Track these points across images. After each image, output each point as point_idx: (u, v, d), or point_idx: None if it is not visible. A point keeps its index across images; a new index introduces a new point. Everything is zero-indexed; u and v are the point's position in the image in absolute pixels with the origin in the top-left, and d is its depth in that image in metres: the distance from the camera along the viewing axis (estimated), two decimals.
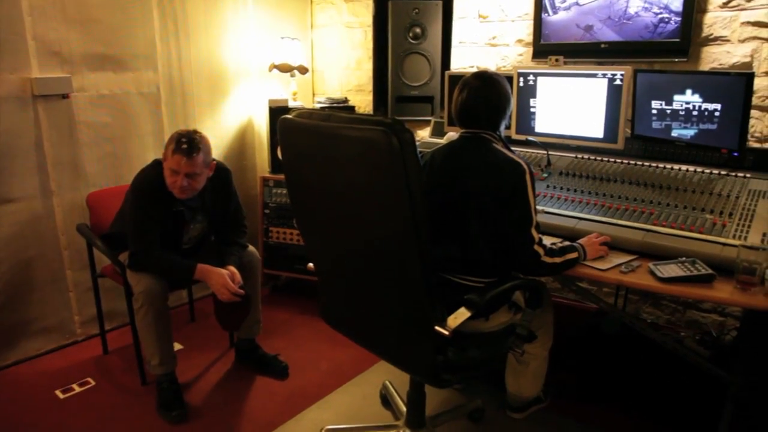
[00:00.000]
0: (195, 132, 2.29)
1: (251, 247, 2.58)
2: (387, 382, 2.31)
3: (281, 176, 3.26)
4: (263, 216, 3.32)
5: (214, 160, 2.37)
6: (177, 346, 2.76)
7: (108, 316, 2.83)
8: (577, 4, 2.90)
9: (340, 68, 3.78)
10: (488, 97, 1.84)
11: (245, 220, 2.60)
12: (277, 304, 3.34)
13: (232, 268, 2.35)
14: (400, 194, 1.32)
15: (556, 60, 2.67)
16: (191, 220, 2.44)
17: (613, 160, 2.47)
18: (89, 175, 2.78)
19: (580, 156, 2.56)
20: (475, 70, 3.31)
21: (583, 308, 3.21)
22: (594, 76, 2.48)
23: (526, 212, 1.72)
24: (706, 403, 2.31)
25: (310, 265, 1.89)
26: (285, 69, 3.33)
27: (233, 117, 3.40)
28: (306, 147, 1.54)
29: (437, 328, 1.49)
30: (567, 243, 1.87)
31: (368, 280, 1.61)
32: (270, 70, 3.36)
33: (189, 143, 2.21)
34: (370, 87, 3.65)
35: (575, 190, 2.26)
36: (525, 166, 1.73)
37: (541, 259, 1.74)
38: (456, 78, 2.97)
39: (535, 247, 1.73)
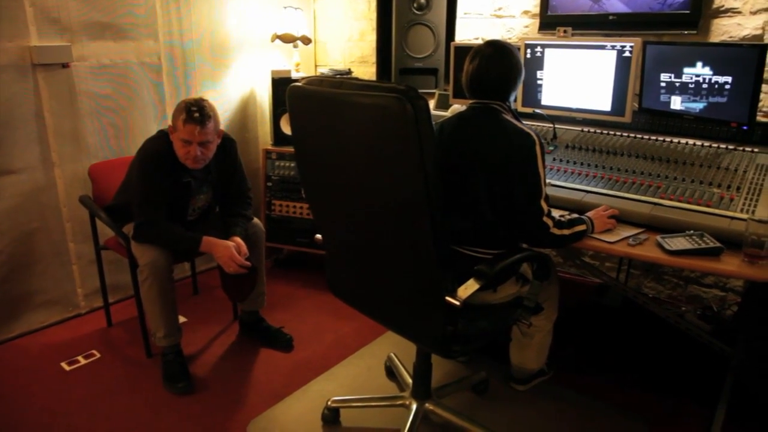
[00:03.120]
0: (203, 100, 2.26)
1: (256, 219, 2.56)
2: (392, 354, 2.32)
3: (284, 149, 3.24)
4: (266, 189, 3.30)
5: (221, 129, 2.36)
6: (181, 319, 2.77)
7: (111, 288, 2.83)
8: None
9: (343, 40, 3.72)
10: (500, 66, 1.81)
11: (250, 191, 2.59)
12: (280, 277, 3.34)
13: (238, 240, 2.34)
14: (413, 162, 1.31)
15: (564, 31, 2.63)
16: (197, 191, 2.42)
17: (619, 133, 2.45)
18: (91, 147, 2.75)
19: (586, 129, 2.54)
20: (480, 41, 3.28)
21: (584, 282, 3.22)
22: (602, 47, 2.45)
23: (535, 183, 1.70)
24: (707, 376, 2.33)
25: (318, 236, 1.88)
26: (288, 39, 3.27)
27: (235, 88, 3.36)
28: (316, 115, 1.51)
29: (448, 298, 1.48)
30: (575, 215, 1.86)
31: (378, 250, 1.60)
32: (272, 41, 3.30)
33: (200, 111, 2.19)
34: (373, 59, 3.59)
35: (582, 164, 2.25)
36: (535, 137, 1.71)
37: (549, 230, 1.73)
38: (462, 49, 2.93)
39: (544, 218, 1.72)
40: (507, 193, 1.71)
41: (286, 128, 3.25)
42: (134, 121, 2.89)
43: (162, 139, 2.30)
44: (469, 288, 1.52)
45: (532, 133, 1.72)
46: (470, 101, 1.87)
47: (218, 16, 3.18)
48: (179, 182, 2.32)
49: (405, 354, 2.27)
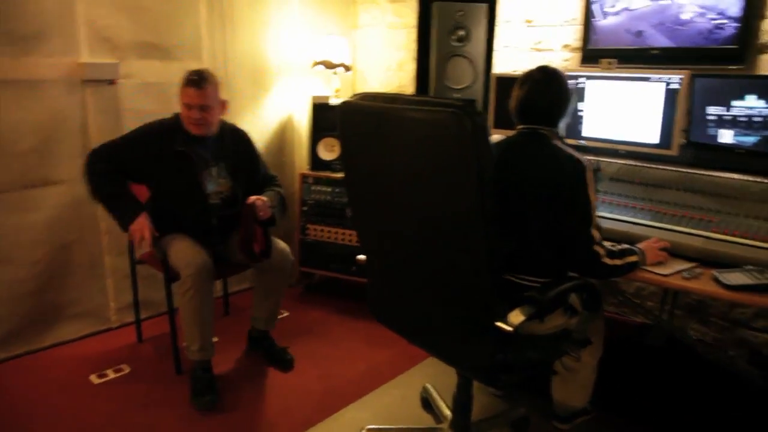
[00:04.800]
0: (205, 69, 2.40)
1: (283, 244, 2.53)
2: (428, 385, 2.24)
3: (321, 173, 3.24)
4: (301, 213, 3.29)
5: (226, 100, 2.45)
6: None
7: (144, 304, 2.80)
8: (627, 9, 2.84)
9: (381, 69, 3.75)
10: (550, 92, 1.79)
11: (277, 178, 2.71)
12: (312, 302, 3.29)
13: (262, 197, 2.39)
14: (470, 181, 1.27)
15: (609, 63, 2.61)
16: (204, 166, 2.43)
17: (664, 167, 2.39)
18: None
19: (629, 162, 2.48)
20: (519, 74, 3.28)
21: (625, 321, 3.11)
22: (648, 80, 2.42)
23: (586, 210, 1.66)
24: (760, 423, 2.21)
25: (361, 257, 1.84)
26: (329, 66, 3.30)
27: (274, 112, 3.39)
28: (368, 131, 1.49)
29: (499, 324, 1.43)
30: (626, 246, 1.80)
31: (428, 271, 1.55)
32: (313, 67, 3.34)
33: (198, 75, 2.32)
34: (411, 88, 3.61)
35: (627, 196, 2.20)
36: (585, 163, 1.68)
37: (601, 260, 1.67)
38: (504, 80, 2.94)
39: (596, 247, 1.67)
40: (557, 220, 1.66)
41: (324, 153, 3.26)
42: None
43: (175, 115, 2.43)
44: (520, 314, 1.46)
45: (583, 159, 1.68)
46: (518, 127, 1.85)
47: (261, 42, 3.23)
48: (174, 151, 2.35)
49: (442, 385, 2.19)
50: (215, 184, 2.46)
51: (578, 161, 1.68)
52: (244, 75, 3.18)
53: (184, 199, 2.39)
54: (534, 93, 1.79)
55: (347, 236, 3.18)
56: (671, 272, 1.75)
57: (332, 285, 3.50)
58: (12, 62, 2.35)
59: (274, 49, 3.30)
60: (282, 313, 3.05)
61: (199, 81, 2.30)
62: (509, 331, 1.41)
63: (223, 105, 2.42)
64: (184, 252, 2.28)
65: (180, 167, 2.36)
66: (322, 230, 3.24)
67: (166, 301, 2.37)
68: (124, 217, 2.25)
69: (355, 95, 1.55)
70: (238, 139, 2.54)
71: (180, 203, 2.41)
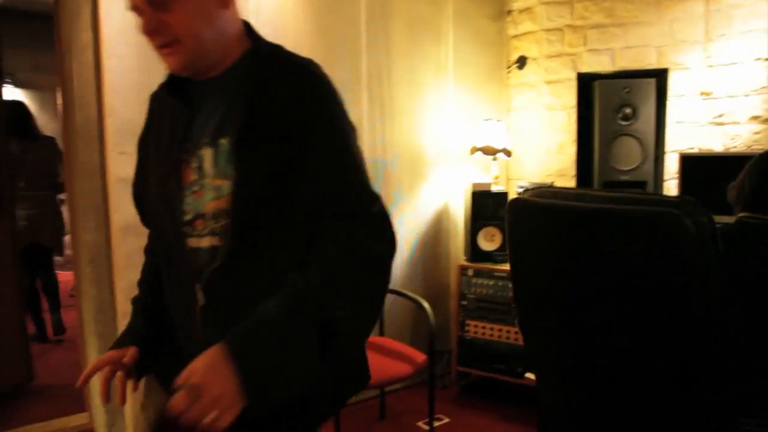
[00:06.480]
0: None
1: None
2: None
3: (481, 265, 3.07)
4: (459, 308, 3.10)
5: None
6: None
7: None
8: None
9: (540, 152, 3.58)
10: None
11: (373, 204, 1.11)
12: (472, 406, 3.00)
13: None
14: (692, 294, 1.05)
15: None
16: (190, 146, 1.11)
17: None
18: None
19: None
20: (697, 151, 2.97)
21: None
22: None
23: None
24: None
25: (530, 375, 1.60)
26: (489, 152, 3.21)
27: (431, 201, 3.31)
28: (549, 232, 1.28)
29: None
30: None
31: (629, 397, 1.28)
32: (472, 153, 3.27)
33: None
34: (572, 172, 3.38)
35: None
36: None
37: None
38: (690, 159, 2.71)
39: None
40: None
41: (484, 243, 3.09)
42: None
43: None
44: None
45: None
46: (739, 215, 1.58)
47: (418, 130, 3.22)
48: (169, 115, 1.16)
49: None
50: (207, 191, 1.08)
51: None
52: (402, 165, 3.16)
53: (158, 243, 1.23)
54: None
55: (512, 334, 2.92)
56: None
57: (493, 387, 3.18)
58: None
59: (430, 137, 3.28)
60: (441, 419, 2.84)
61: None
62: None
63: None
64: None
65: (152, 156, 1.19)
66: (483, 327, 3.01)
67: None
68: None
69: (527, 191, 1.39)
70: (279, 82, 1.11)
71: (159, 257, 1.22)
